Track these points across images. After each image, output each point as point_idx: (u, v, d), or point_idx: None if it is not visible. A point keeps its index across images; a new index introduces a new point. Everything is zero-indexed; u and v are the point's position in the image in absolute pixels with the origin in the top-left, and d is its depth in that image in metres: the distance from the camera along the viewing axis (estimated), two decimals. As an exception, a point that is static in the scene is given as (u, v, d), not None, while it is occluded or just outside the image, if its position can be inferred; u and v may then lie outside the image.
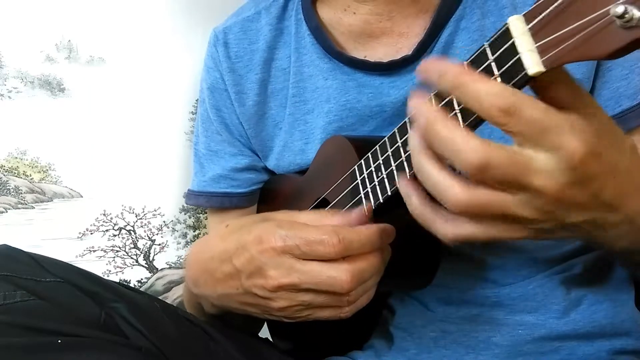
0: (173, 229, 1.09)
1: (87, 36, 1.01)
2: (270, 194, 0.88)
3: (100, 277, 0.66)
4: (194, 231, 1.11)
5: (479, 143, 0.41)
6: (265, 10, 0.82)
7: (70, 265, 0.64)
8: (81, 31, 1.00)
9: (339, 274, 0.54)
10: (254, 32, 0.82)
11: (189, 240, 1.11)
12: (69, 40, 1.00)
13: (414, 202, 0.48)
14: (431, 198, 0.47)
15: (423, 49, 0.72)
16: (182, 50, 1.05)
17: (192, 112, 1.07)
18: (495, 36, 0.44)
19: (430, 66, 0.44)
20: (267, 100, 0.82)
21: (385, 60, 0.73)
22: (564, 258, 0.74)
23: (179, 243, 1.10)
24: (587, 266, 0.74)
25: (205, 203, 0.89)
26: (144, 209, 1.07)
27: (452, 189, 0.43)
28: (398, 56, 0.73)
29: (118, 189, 1.05)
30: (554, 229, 0.46)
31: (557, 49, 0.39)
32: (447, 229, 0.46)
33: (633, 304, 0.75)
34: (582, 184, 0.42)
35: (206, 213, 1.07)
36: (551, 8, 0.40)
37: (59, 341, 0.53)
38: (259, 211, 0.91)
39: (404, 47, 0.73)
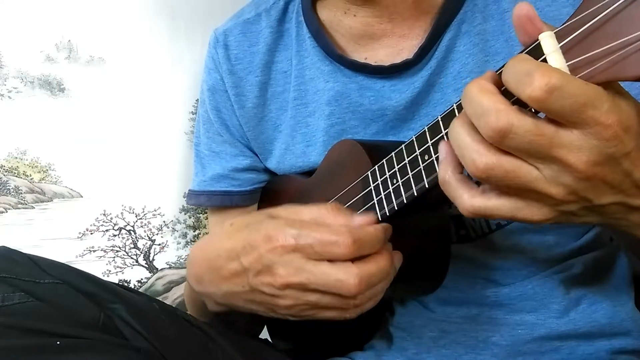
0: (173, 229, 1.10)
1: (87, 36, 1.01)
2: (273, 193, 0.88)
3: (99, 278, 0.66)
4: (194, 231, 1.11)
5: (504, 108, 0.40)
6: (266, 12, 0.82)
7: (69, 266, 0.64)
8: (81, 31, 1.01)
9: (347, 278, 0.53)
10: (254, 34, 0.82)
11: (189, 240, 1.11)
12: (69, 40, 1.00)
13: (444, 168, 0.48)
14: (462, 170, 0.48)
15: (424, 52, 0.71)
16: (182, 51, 1.05)
17: (192, 112, 1.07)
18: (525, 51, 0.43)
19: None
20: (267, 102, 0.82)
21: (386, 62, 0.73)
22: (563, 258, 0.74)
23: (179, 243, 1.10)
24: (587, 266, 0.74)
25: (206, 202, 0.89)
26: (144, 209, 1.07)
27: (476, 152, 0.43)
28: (399, 58, 0.72)
29: (118, 189, 1.05)
30: (580, 212, 0.45)
31: (589, 69, 0.39)
32: (470, 200, 0.46)
33: (633, 303, 0.75)
34: (614, 161, 0.41)
35: (206, 213, 1.07)
36: (584, 28, 0.39)
37: (58, 343, 0.53)
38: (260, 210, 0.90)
39: (405, 49, 0.73)
